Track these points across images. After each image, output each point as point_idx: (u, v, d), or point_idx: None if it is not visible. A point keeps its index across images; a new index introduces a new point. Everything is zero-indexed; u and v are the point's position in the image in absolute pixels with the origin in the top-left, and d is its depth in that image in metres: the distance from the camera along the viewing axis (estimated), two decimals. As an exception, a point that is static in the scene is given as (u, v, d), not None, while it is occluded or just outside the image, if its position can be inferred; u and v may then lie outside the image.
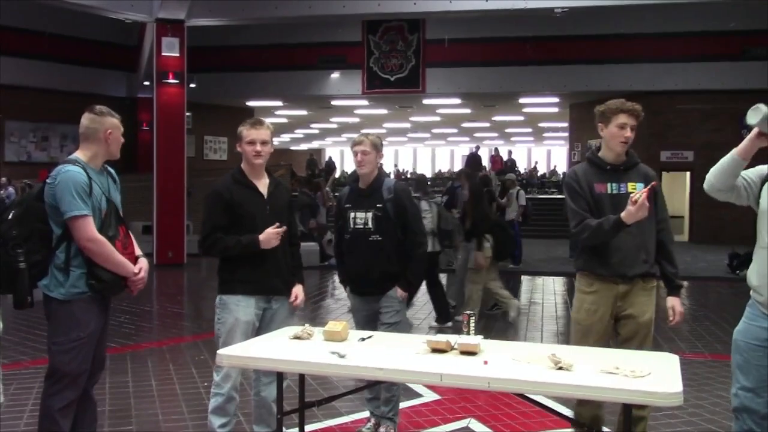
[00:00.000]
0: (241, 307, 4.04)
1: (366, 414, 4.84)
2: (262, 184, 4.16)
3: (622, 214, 3.62)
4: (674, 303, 3.83)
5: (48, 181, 3.57)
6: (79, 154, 3.67)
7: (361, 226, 4.44)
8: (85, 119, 3.67)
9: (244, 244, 4.00)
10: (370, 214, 4.43)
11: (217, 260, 4.20)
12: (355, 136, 4.59)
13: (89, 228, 3.51)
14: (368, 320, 4.51)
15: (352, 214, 4.47)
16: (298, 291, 4.23)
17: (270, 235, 4.00)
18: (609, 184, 3.79)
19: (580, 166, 3.95)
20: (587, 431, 3.67)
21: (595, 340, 3.78)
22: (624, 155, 3.84)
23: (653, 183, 3.72)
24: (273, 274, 4.11)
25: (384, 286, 4.46)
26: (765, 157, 3.33)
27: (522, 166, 41.58)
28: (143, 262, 3.79)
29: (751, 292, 3.32)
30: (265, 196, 4.13)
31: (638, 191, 3.65)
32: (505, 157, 28.68)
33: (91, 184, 3.57)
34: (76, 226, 3.50)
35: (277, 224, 4.04)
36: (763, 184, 3.30)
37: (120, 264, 3.62)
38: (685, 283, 3.86)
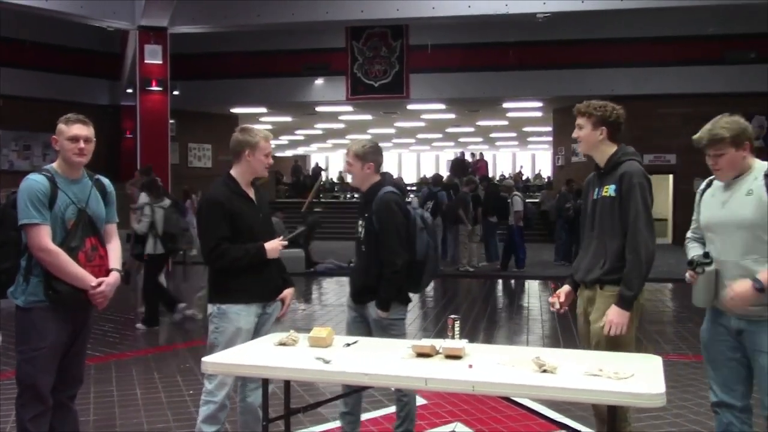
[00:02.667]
0: (243, 316, 4.01)
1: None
2: (251, 192, 4.17)
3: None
4: (609, 311, 3.52)
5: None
6: (54, 163, 3.70)
7: (360, 236, 4.38)
8: None
9: (252, 254, 3.99)
10: (361, 223, 4.36)
11: (204, 269, 4.18)
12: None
13: (41, 237, 3.49)
14: (357, 325, 4.40)
15: (358, 221, 4.43)
16: (287, 295, 4.23)
17: (275, 246, 4.06)
18: (596, 189, 3.74)
19: (592, 177, 3.88)
20: None
21: (581, 341, 3.85)
22: (607, 157, 3.69)
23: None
24: (269, 280, 4.13)
25: (363, 299, 4.34)
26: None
27: (507, 171, 41.74)
28: (111, 277, 3.69)
29: None
30: (256, 203, 4.15)
31: (558, 294, 3.77)
32: (470, 160, 28.24)
33: (55, 194, 3.55)
34: (29, 235, 3.50)
35: (282, 238, 4.14)
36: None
37: (74, 276, 3.55)
38: (628, 294, 3.58)
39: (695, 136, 3.35)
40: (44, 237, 3.49)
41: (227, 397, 4.06)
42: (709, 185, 3.50)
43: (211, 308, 4.09)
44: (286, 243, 4.14)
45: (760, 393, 3.27)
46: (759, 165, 3.31)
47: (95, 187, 3.76)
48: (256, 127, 4.37)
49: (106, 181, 3.86)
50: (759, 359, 3.22)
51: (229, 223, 3.98)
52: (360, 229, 4.37)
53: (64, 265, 3.52)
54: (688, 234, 3.63)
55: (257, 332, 4.10)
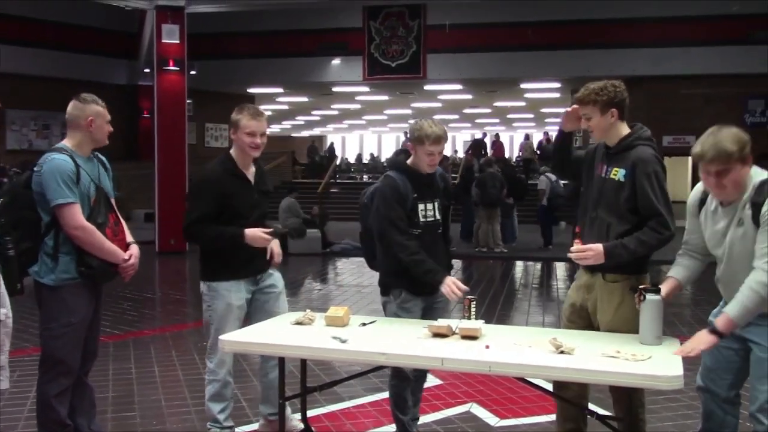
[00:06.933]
0: (233, 293, 4.03)
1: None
2: (250, 173, 4.12)
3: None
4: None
5: (35, 169, 3.59)
6: (66, 142, 3.69)
7: (432, 219, 3.98)
8: (70, 106, 3.69)
9: (226, 238, 3.94)
10: (436, 204, 4.01)
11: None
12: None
13: (76, 216, 3.53)
14: (424, 317, 3.98)
15: (421, 206, 3.94)
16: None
17: (256, 235, 3.92)
18: (605, 167, 3.61)
19: (598, 145, 3.76)
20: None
21: (565, 324, 3.77)
22: (619, 138, 3.56)
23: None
24: (257, 255, 4.07)
25: None
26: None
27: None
28: (134, 249, 3.81)
29: None
30: (253, 184, 4.11)
31: (578, 247, 3.49)
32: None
33: (79, 172, 3.58)
34: (63, 214, 3.52)
35: (269, 230, 4.00)
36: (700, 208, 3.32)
37: (109, 251, 3.63)
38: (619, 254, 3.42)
39: (696, 150, 3.12)
40: (79, 215, 3.54)
41: (229, 374, 4.09)
42: (703, 198, 3.31)
43: (202, 286, 4.09)
44: (269, 237, 3.97)
45: (751, 389, 3.15)
46: (752, 182, 3.09)
47: (100, 165, 3.81)
48: (262, 106, 4.32)
49: (103, 158, 3.90)
50: (757, 352, 3.10)
51: (217, 203, 3.93)
52: (432, 213, 3.99)
53: (99, 241, 3.59)
54: (681, 250, 3.47)
55: (262, 310, 4.10)
